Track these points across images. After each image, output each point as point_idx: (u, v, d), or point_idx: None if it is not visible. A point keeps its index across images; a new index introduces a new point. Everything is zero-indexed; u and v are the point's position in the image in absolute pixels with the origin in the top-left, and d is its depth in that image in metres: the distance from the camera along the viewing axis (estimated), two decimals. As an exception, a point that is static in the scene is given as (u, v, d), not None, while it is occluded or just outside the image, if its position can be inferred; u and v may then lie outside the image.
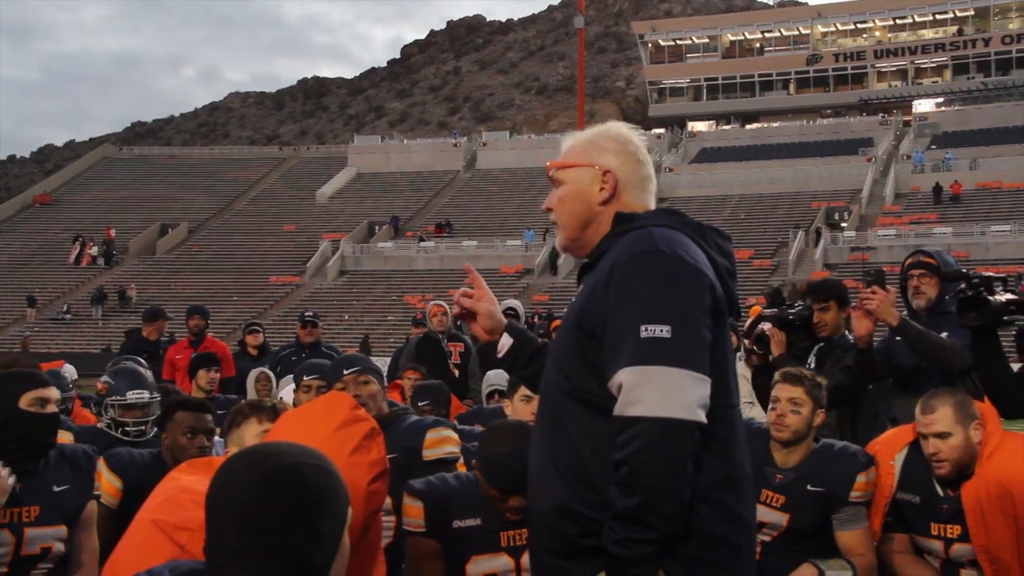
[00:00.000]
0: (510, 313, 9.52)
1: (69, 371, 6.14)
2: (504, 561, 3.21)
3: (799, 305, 5.17)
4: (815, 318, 5.05)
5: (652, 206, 2.43)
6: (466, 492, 3.30)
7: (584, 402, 2.23)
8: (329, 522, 1.60)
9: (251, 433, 3.17)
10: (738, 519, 2.24)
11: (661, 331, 2.11)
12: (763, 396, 4.88)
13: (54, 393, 3.35)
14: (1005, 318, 3.66)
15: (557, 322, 7.79)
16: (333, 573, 1.61)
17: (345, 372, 3.94)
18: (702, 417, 2.10)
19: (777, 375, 3.86)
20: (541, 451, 2.34)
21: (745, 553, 2.28)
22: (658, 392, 2.07)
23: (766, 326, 5.16)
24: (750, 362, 5.49)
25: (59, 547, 3.39)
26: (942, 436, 3.49)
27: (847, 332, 5.02)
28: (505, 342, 2.73)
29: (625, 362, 2.11)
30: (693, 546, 2.15)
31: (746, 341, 5.56)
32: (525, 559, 2.77)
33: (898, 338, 4.65)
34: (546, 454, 2.30)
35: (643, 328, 2.11)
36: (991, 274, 3.84)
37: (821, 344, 5.08)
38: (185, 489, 2.51)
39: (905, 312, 4.72)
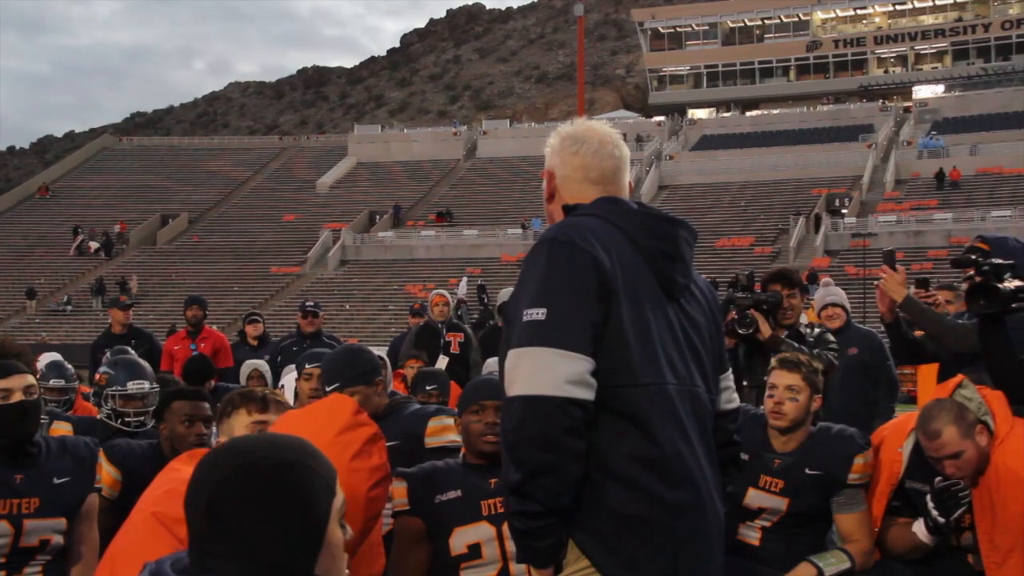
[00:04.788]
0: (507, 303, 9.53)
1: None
2: (485, 529, 3.24)
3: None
4: (784, 303, 5.20)
5: (596, 193, 2.45)
6: (448, 469, 3.37)
7: None
8: (305, 521, 1.50)
9: (240, 424, 3.13)
10: (658, 499, 2.22)
11: (538, 314, 2.20)
12: (752, 376, 5.01)
13: (19, 382, 3.30)
14: (1014, 305, 3.62)
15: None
16: (321, 571, 1.51)
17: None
18: (574, 392, 2.14)
19: (774, 361, 3.84)
20: None
21: (678, 535, 2.24)
22: (527, 371, 2.17)
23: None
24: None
25: (58, 539, 3.38)
26: (955, 456, 3.44)
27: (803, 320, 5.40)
28: None
29: (511, 345, 2.23)
30: (600, 522, 2.21)
31: None
32: (506, 527, 2.81)
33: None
34: None
35: (525, 313, 2.23)
36: (1000, 261, 3.79)
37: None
38: (185, 481, 2.48)
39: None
